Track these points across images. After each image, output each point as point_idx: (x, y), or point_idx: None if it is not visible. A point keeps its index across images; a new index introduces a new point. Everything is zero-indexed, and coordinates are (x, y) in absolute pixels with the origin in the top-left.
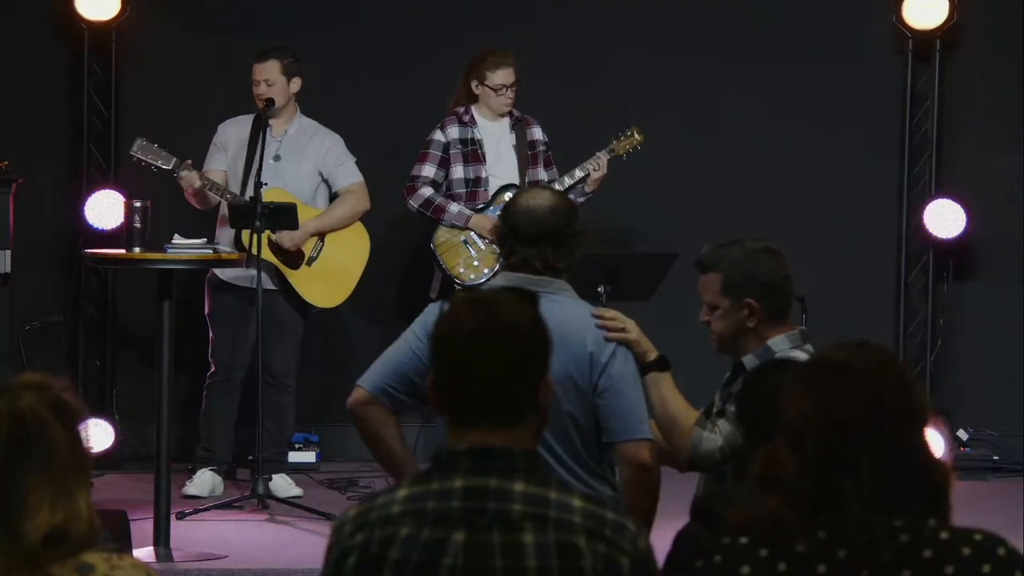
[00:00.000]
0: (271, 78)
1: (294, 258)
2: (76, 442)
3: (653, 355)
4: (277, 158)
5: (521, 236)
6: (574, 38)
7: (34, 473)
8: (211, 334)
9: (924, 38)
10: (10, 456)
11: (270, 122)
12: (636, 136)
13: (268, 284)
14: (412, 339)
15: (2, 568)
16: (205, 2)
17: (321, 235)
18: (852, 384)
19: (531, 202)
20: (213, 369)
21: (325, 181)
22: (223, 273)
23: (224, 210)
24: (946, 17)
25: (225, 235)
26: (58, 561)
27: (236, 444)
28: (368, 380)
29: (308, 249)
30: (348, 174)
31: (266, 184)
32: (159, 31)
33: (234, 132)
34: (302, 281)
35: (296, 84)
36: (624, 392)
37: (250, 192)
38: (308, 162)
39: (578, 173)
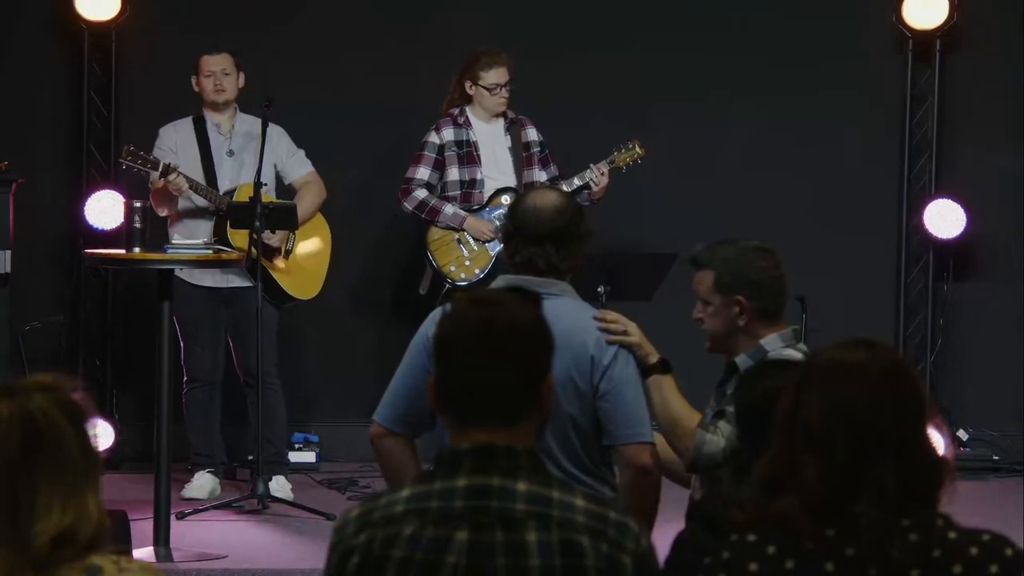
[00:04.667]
0: (228, 68)
1: (271, 252)
2: (86, 443)
3: (655, 358)
4: (231, 153)
5: (526, 235)
6: (574, 39)
7: (45, 475)
8: (181, 340)
9: (924, 38)
10: (21, 458)
11: (217, 119)
12: (638, 149)
13: (244, 281)
14: (415, 354)
15: (7, 569)
16: (205, 2)
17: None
18: (872, 385)
19: (538, 202)
20: (187, 376)
21: (278, 173)
22: (187, 274)
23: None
24: (946, 17)
25: (187, 231)
26: (65, 563)
27: (227, 446)
28: (381, 413)
29: (284, 242)
30: (301, 164)
31: (266, 184)
32: (159, 31)
33: (177, 136)
34: (281, 274)
35: (242, 80)
36: (625, 395)
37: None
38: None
39: (576, 182)
